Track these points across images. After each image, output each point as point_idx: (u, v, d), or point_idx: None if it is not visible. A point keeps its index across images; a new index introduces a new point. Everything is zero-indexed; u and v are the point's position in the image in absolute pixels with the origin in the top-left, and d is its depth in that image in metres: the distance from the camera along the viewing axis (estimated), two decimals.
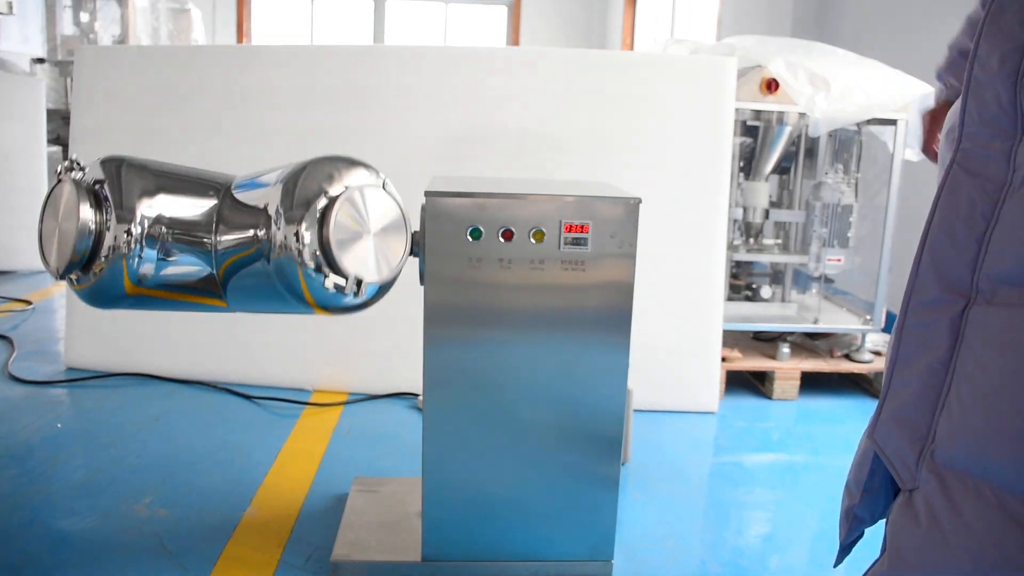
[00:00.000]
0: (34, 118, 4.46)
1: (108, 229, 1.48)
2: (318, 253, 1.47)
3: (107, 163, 1.54)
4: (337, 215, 1.47)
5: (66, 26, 6.51)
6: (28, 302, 3.79)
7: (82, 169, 1.53)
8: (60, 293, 3.93)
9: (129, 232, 1.48)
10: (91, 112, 2.84)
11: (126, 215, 1.49)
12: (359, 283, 1.50)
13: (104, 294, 1.54)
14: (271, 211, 1.50)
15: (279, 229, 1.48)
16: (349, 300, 1.54)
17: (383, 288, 1.59)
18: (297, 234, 1.46)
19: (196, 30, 7.30)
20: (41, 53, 6.16)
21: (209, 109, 2.76)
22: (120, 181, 1.51)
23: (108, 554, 1.73)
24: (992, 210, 0.71)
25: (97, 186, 1.50)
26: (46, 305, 3.79)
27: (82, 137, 2.86)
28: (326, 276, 1.48)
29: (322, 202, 1.48)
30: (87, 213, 1.47)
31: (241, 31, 9.87)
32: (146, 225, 1.50)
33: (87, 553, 1.74)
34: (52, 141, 4.92)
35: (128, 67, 2.84)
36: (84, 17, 6.50)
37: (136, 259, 1.50)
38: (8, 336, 3.21)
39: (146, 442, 2.31)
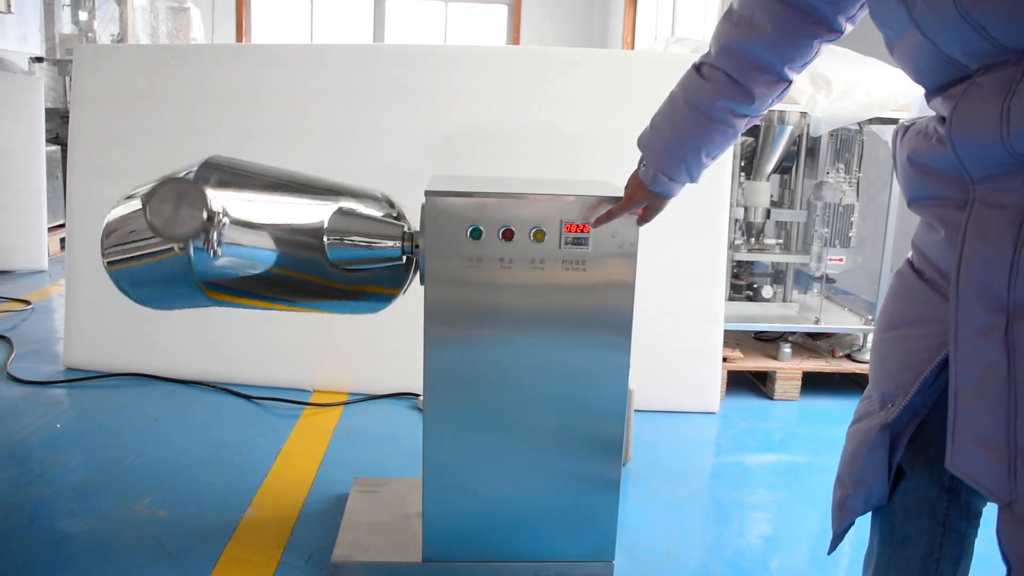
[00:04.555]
0: (33, 117, 4.45)
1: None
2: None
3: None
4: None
5: (65, 25, 6.50)
6: (27, 302, 3.78)
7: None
8: (59, 293, 3.93)
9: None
10: (90, 111, 2.83)
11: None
12: None
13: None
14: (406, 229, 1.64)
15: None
16: None
17: None
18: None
19: (195, 29, 7.29)
20: (40, 52, 6.15)
21: (208, 108, 2.75)
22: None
23: (107, 555, 1.73)
24: (1018, 232, 0.76)
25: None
26: (45, 305, 3.78)
27: (81, 136, 2.85)
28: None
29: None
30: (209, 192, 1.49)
31: (240, 30, 9.86)
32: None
33: (86, 554, 1.73)
34: (51, 140, 4.90)
35: (127, 66, 2.83)
36: (83, 16, 6.48)
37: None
38: (7, 336, 3.21)
39: (145, 443, 2.30)
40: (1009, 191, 0.77)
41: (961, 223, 0.81)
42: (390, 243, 1.62)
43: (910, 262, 0.99)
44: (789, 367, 2.91)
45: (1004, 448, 0.79)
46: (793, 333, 3.11)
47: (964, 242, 0.80)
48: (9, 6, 3.28)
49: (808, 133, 3.04)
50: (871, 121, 2.93)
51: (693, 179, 1.33)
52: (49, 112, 4.85)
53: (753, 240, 3.12)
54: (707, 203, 2.65)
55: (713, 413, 2.74)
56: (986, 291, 0.78)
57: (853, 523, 1.04)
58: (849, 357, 3.02)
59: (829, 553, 1.09)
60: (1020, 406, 0.77)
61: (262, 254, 1.57)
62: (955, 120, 0.79)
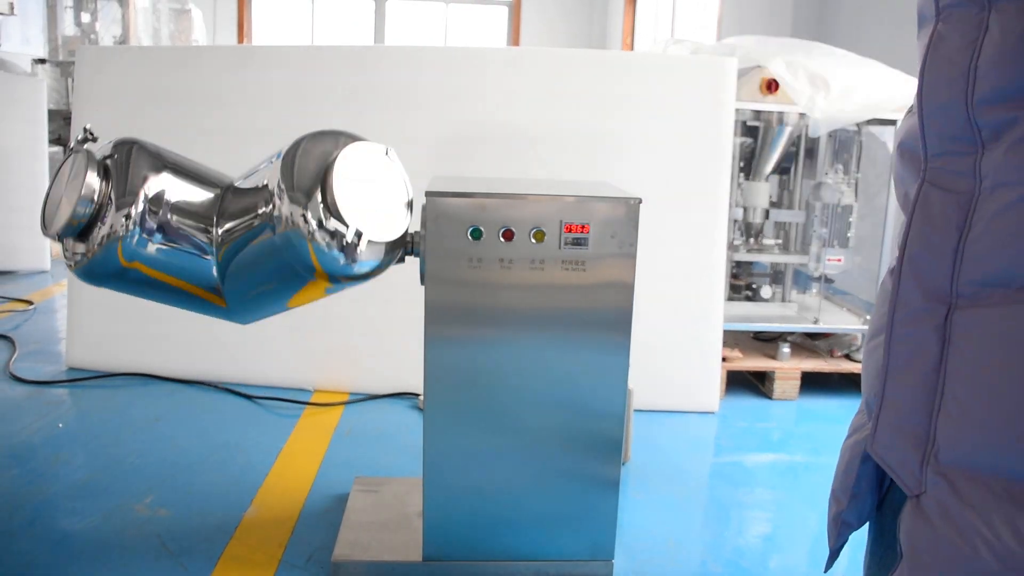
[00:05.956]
0: (35, 118, 4.46)
1: (111, 202, 1.50)
2: (321, 204, 1.45)
3: (121, 144, 1.59)
4: (338, 167, 1.47)
5: (67, 27, 6.52)
6: (29, 302, 3.79)
7: (95, 140, 1.59)
8: (61, 293, 3.94)
9: (128, 216, 1.51)
10: (92, 112, 2.84)
11: (128, 199, 1.52)
12: (359, 236, 1.47)
13: (99, 268, 1.55)
14: (272, 187, 1.51)
15: (283, 202, 1.48)
16: (355, 266, 1.50)
17: (385, 257, 1.56)
18: (306, 200, 1.46)
19: (197, 30, 7.31)
20: (42, 53, 6.16)
21: (210, 109, 2.76)
22: (129, 162, 1.55)
23: (109, 554, 1.74)
24: (964, 220, 0.74)
25: (107, 160, 1.54)
26: (47, 305, 3.79)
27: None
28: (326, 221, 1.45)
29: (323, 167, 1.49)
30: (93, 180, 1.49)
31: (242, 31, 9.88)
32: (146, 206, 1.53)
33: (88, 553, 1.74)
34: (53, 141, 4.92)
35: (129, 67, 2.84)
36: (85, 18, 6.50)
37: (135, 237, 1.52)
38: (9, 336, 3.22)
39: (147, 442, 2.31)
40: (959, 175, 0.75)
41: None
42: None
43: (891, 269, 0.99)
44: (788, 367, 2.91)
45: (922, 439, 0.77)
46: (792, 333, 3.12)
47: (911, 223, 0.78)
48: (12, 8, 3.29)
49: (807, 134, 3.05)
50: (870, 122, 2.94)
51: None
52: (52, 113, 4.86)
53: (752, 240, 3.13)
54: (706, 204, 2.66)
55: (712, 413, 2.75)
56: (928, 277, 0.76)
57: (848, 538, 1.03)
58: (848, 357, 3.03)
59: (826, 570, 1.08)
60: (946, 399, 0.74)
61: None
62: (926, 78, 0.77)
